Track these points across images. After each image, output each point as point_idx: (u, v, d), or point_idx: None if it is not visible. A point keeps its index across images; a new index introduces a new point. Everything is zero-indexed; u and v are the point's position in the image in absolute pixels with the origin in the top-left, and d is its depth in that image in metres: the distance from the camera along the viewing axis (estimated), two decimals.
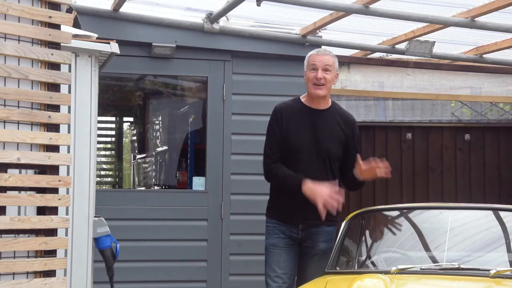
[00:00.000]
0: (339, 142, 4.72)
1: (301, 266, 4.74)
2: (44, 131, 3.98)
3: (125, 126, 11.04)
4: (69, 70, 4.50)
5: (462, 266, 3.96)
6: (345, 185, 4.89)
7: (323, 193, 4.48)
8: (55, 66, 4.02)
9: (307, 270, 4.70)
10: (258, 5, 5.66)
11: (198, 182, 6.69)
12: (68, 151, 4.38)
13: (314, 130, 4.67)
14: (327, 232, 4.71)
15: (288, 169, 4.65)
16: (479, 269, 3.91)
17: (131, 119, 10.54)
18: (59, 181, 3.99)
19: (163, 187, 8.45)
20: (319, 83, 4.64)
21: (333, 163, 4.71)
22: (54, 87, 4.01)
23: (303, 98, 4.79)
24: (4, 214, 3.79)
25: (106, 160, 11.57)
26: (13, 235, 3.84)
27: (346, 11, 6.08)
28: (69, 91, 4.48)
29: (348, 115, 4.89)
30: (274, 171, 4.70)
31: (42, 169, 3.97)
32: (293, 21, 6.71)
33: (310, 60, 4.71)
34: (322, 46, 6.95)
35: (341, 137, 4.73)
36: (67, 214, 4.31)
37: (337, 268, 4.41)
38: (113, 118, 10.46)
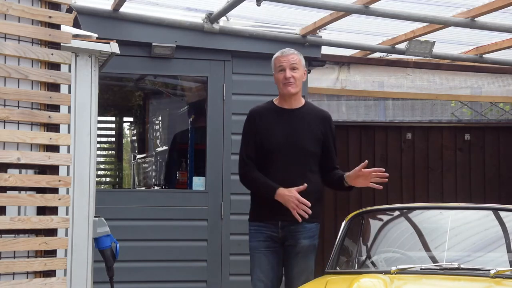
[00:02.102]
0: (317, 140, 4.73)
1: (287, 266, 4.74)
2: (44, 131, 3.98)
3: (125, 126, 11.04)
4: (69, 70, 4.50)
5: (462, 266, 3.96)
6: (327, 184, 4.88)
7: (292, 199, 4.54)
8: (55, 66, 4.02)
9: (293, 269, 4.69)
10: (258, 5, 5.66)
11: (198, 182, 6.69)
12: (68, 151, 4.38)
13: (289, 129, 4.70)
14: (308, 229, 4.68)
15: (267, 170, 4.70)
16: (479, 269, 3.91)
17: (131, 119, 10.54)
18: (59, 181, 3.99)
19: (163, 187, 8.45)
20: (289, 81, 4.69)
21: (312, 161, 4.71)
22: (54, 87, 4.01)
23: (276, 101, 4.84)
24: (4, 214, 3.79)
25: (106, 160, 11.57)
26: (13, 235, 3.84)
27: (346, 11, 6.08)
28: (69, 91, 4.47)
29: (323, 112, 4.91)
30: (249, 176, 4.78)
31: (42, 169, 3.97)
32: (293, 21, 6.71)
33: (276, 62, 4.80)
34: (322, 46, 6.97)
35: (318, 134, 4.74)
36: (67, 214, 4.30)
37: (337, 268, 4.41)
38: (113, 118, 10.46)
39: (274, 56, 4.83)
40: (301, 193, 4.58)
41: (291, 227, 4.65)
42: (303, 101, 4.82)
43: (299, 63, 4.74)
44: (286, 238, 4.68)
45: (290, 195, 4.55)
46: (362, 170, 4.57)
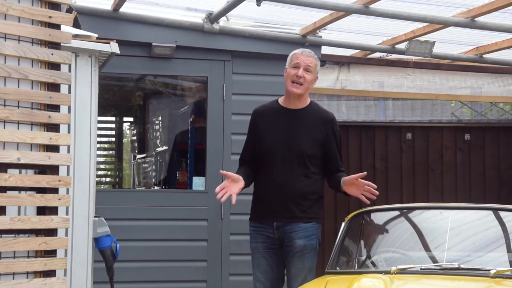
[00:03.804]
0: (316, 142, 4.71)
1: (286, 266, 4.75)
2: (44, 131, 3.98)
3: (125, 126, 11.04)
4: (69, 70, 4.50)
5: (462, 266, 3.96)
6: (331, 186, 4.88)
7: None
8: (55, 66, 4.02)
9: (291, 269, 4.69)
10: (258, 5, 5.66)
11: (198, 182, 6.69)
12: (68, 151, 4.38)
13: (287, 130, 4.70)
14: (303, 228, 4.66)
15: (266, 170, 4.72)
16: (479, 269, 3.91)
17: (131, 119, 10.54)
18: (59, 181, 3.99)
19: (163, 187, 8.46)
20: (299, 81, 4.69)
21: (309, 163, 4.69)
22: (54, 87, 4.01)
23: (281, 100, 4.84)
24: (4, 214, 3.79)
25: (106, 160, 11.57)
26: (13, 235, 3.84)
27: (346, 11, 6.08)
28: (69, 91, 4.48)
29: (326, 113, 4.87)
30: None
31: (42, 169, 3.97)
32: (293, 21, 6.71)
33: (293, 57, 4.76)
34: (322, 46, 6.97)
35: (317, 136, 4.71)
36: (67, 214, 4.31)
37: (337, 268, 4.41)
38: (113, 118, 10.46)
39: (294, 52, 4.79)
40: (297, 195, 4.63)
41: (285, 227, 4.65)
42: (308, 102, 4.81)
43: (314, 68, 4.75)
44: (282, 238, 4.68)
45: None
46: (358, 180, 4.58)
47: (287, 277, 4.77)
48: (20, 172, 3.94)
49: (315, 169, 4.71)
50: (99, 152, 10.57)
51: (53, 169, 3.99)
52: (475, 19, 6.18)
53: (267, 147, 4.71)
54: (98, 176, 10.07)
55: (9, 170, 3.83)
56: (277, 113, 4.78)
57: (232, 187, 4.59)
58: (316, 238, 4.74)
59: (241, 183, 4.62)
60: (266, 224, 4.71)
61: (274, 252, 4.72)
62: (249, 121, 6.51)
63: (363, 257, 4.52)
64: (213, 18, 6.42)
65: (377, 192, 4.58)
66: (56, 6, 4.06)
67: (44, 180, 3.94)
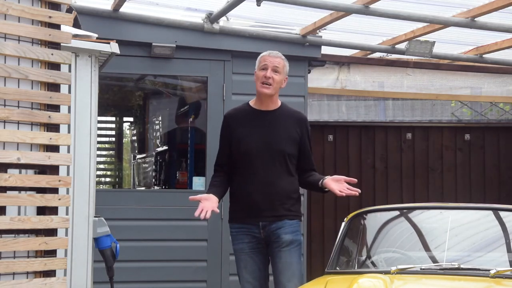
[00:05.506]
0: (293, 141, 4.75)
1: (272, 263, 4.74)
2: (44, 131, 3.99)
3: (125, 126, 11.04)
4: (69, 70, 4.50)
5: (462, 266, 3.96)
6: (303, 185, 4.89)
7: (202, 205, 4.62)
8: (55, 66, 4.02)
9: (278, 264, 4.68)
10: (258, 5, 5.67)
11: (198, 182, 6.69)
12: (68, 151, 4.38)
13: (264, 132, 4.72)
14: (289, 224, 4.68)
15: (246, 172, 4.72)
16: (479, 269, 3.91)
17: (131, 119, 10.54)
18: (59, 181, 3.99)
19: (163, 187, 8.46)
20: (267, 82, 4.70)
21: (289, 163, 4.72)
22: (54, 87, 4.01)
23: (251, 102, 4.86)
24: (4, 214, 3.79)
25: (106, 160, 11.57)
26: (13, 235, 3.84)
27: (346, 11, 6.08)
28: (69, 91, 4.48)
29: (299, 113, 4.92)
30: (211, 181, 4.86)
31: (42, 169, 3.97)
32: (293, 21, 6.71)
33: (261, 60, 4.79)
34: (322, 46, 6.97)
35: (293, 135, 4.76)
36: (67, 214, 4.31)
37: (337, 268, 4.41)
38: (113, 118, 10.46)
39: (261, 54, 4.81)
40: (282, 194, 4.66)
41: (271, 226, 4.66)
42: (279, 103, 4.84)
43: (282, 68, 4.76)
44: (269, 237, 4.69)
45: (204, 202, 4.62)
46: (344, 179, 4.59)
47: (274, 273, 4.75)
48: (20, 172, 3.94)
49: (293, 167, 4.77)
50: (99, 152, 10.57)
51: (53, 169, 3.99)
52: (475, 19, 6.18)
53: (246, 148, 4.72)
54: (98, 176, 10.07)
55: (9, 170, 3.83)
56: (252, 115, 4.80)
57: (208, 204, 4.59)
58: (301, 235, 4.79)
59: (214, 198, 4.63)
60: (251, 224, 4.70)
61: (260, 252, 4.73)
62: None
63: (363, 257, 4.52)
64: (213, 18, 6.42)
65: (356, 190, 4.55)
66: (56, 6, 4.06)
67: (44, 180, 3.94)
